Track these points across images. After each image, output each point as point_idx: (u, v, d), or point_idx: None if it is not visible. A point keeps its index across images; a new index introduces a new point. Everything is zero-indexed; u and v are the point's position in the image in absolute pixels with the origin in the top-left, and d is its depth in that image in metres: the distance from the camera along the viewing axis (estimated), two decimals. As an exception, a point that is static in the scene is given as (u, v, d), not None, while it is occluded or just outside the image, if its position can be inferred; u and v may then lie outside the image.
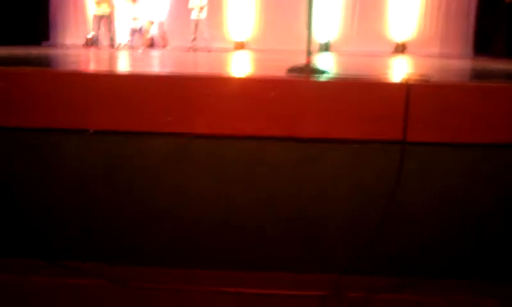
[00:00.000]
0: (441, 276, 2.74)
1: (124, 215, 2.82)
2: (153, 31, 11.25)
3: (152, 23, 10.71)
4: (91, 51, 8.33)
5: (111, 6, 10.01)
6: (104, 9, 9.87)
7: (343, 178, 2.70)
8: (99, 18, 9.93)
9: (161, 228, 2.82)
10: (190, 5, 10.25)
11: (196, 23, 10.24)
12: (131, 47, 9.75)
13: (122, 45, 10.08)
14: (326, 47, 12.37)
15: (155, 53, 8.40)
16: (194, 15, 10.24)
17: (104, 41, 10.05)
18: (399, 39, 12.44)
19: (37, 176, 2.81)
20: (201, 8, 10.19)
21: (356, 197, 2.71)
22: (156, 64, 4.63)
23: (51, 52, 7.36)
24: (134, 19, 9.88)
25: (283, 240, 2.78)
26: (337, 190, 2.71)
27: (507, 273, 2.73)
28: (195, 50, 10.10)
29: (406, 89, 2.54)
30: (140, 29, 10.04)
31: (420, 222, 2.71)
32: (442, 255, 2.75)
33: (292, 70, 3.15)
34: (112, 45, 9.85)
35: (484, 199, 2.68)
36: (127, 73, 3.02)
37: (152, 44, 11.59)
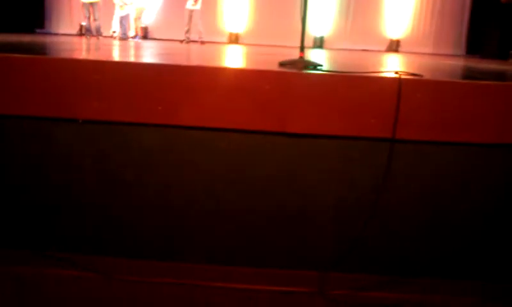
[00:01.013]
0: (424, 275, 2.76)
1: (113, 206, 2.81)
2: (147, 20, 11.13)
3: (143, 9, 10.53)
4: (82, 40, 8.26)
5: None
6: None
7: (331, 174, 2.71)
8: (88, 6, 9.83)
9: (149, 219, 2.81)
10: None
11: (191, 14, 10.16)
12: (122, 38, 9.64)
13: (114, 34, 9.98)
14: (319, 43, 12.36)
15: (147, 43, 8.34)
16: (188, 5, 10.16)
17: (93, 30, 9.94)
18: (393, 37, 12.45)
19: (25, 165, 2.80)
20: (196, 0, 10.12)
21: (344, 194, 2.72)
22: (147, 54, 4.60)
23: (43, 39, 7.29)
24: (121, 7, 9.78)
25: (270, 235, 2.78)
26: (325, 187, 2.72)
27: (491, 272, 2.75)
28: (188, 42, 10.03)
29: (398, 86, 2.54)
30: (127, 16, 9.89)
31: (406, 220, 2.73)
32: (426, 254, 2.76)
33: (284, 63, 3.14)
34: (99, 34, 9.75)
35: (472, 199, 2.69)
36: (116, 62, 2.99)
37: (145, 34, 11.47)
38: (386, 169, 2.62)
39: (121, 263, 2.78)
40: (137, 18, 10.32)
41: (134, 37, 10.19)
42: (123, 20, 9.85)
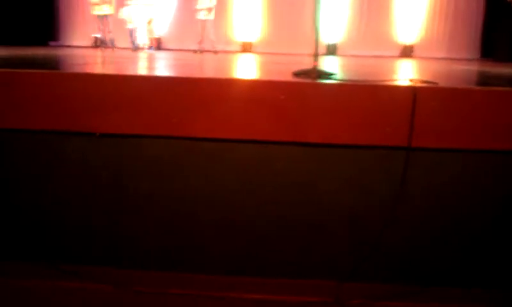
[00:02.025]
0: (441, 284, 2.73)
1: (128, 219, 2.82)
2: (160, 31, 11.19)
3: (152, 20, 10.56)
4: (97, 52, 8.34)
5: (112, 6, 9.99)
6: (104, 10, 9.87)
7: (347, 183, 2.70)
8: (102, 18, 9.94)
9: (164, 231, 2.82)
10: (198, 6, 10.25)
11: (203, 24, 10.24)
12: (136, 48, 9.72)
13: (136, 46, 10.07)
14: (332, 50, 12.37)
15: (160, 54, 8.39)
16: (201, 15, 10.23)
17: (108, 42, 10.05)
18: (406, 42, 12.41)
19: (41, 178, 2.83)
20: (210, 9, 10.19)
21: (359, 203, 2.71)
22: (161, 66, 4.63)
23: (57, 53, 7.37)
24: (129, 22, 9.90)
25: (285, 245, 2.78)
26: (341, 196, 2.71)
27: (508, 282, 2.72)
28: (201, 51, 10.10)
29: (413, 94, 2.53)
30: (135, 29, 9.98)
31: (422, 229, 2.71)
32: (443, 263, 2.74)
33: (298, 73, 3.15)
34: (113, 46, 9.84)
35: (488, 206, 2.67)
36: (132, 75, 3.02)
37: (158, 45, 11.54)
38: (402, 178, 2.61)
39: (130, 274, 2.80)
40: (149, 31, 10.37)
41: (149, 48, 10.26)
42: (133, 32, 9.94)
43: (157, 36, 10.91)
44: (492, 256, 2.72)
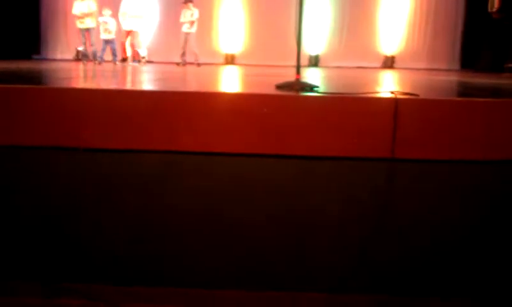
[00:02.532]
0: (431, 294, 2.75)
1: (114, 234, 2.81)
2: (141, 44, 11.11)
3: (137, 34, 10.39)
4: (80, 66, 8.30)
5: (94, 19, 9.94)
6: (86, 23, 9.84)
7: (333, 195, 2.72)
8: (84, 31, 9.90)
9: (151, 246, 2.81)
10: (181, 19, 10.27)
11: (186, 37, 10.25)
12: (114, 61, 9.66)
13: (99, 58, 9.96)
14: (315, 61, 12.45)
15: (144, 68, 8.38)
16: (184, 28, 10.25)
17: (90, 55, 9.99)
18: (387, 53, 12.54)
19: (28, 194, 2.80)
20: (192, 23, 10.21)
21: (346, 214, 2.72)
22: (145, 79, 4.63)
23: (41, 66, 7.33)
24: (105, 31, 9.84)
25: (272, 258, 2.78)
26: (327, 208, 2.72)
27: (495, 293, 2.75)
28: (184, 64, 10.10)
29: (394, 106, 2.56)
30: (111, 41, 9.90)
31: (409, 239, 2.73)
32: (429, 273, 2.76)
33: (281, 86, 3.17)
34: (96, 59, 9.78)
35: (472, 216, 2.70)
36: (116, 89, 3.02)
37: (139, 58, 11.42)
38: (386, 188, 2.64)
39: (126, 291, 2.78)
40: (132, 43, 10.27)
41: (133, 61, 10.22)
42: (110, 44, 9.86)
43: (140, 50, 10.80)
44: (478, 264, 2.74)
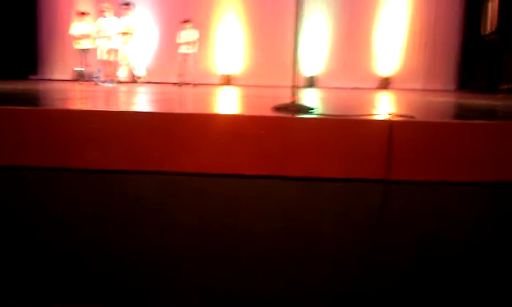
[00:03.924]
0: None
1: (110, 254, 2.80)
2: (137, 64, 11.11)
3: (113, 51, 10.11)
4: (76, 86, 8.32)
5: (92, 40, 9.98)
6: (83, 44, 9.89)
7: (328, 216, 2.72)
8: (81, 52, 9.96)
9: (148, 267, 2.80)
10: (177, 40, 10.36)
11: (185, 57, 10.33)
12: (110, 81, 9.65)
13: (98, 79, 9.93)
14: (312, 82, 12.53)
15: (140, 88, 8.41)
16: (183, 49, 10.34)
17: (87, 76, 10.03)
18: (383, 74, 12.63)
19: (23, 215, 2.80)
20: (189, 44, 10.30)
21: (341, 235, 2.72)
22: (142, 101, 4.65)
23: (37, 87, 7.35)
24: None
25: (269, 278, 2.77)
26: (323, 229, 2.73)
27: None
28: (181, 85, 10.16)
29: (389, 128, 2.58)
30: (87, 52, 9.88)
31: (403, 260, 2.73)
32: (423, 294, 2.75)
33: (278, 108, 3.19)
34: (92, 80, 9.80)
35: (468, 238, 2.71)
36: (113, 110, 3.02)
37: (134, 79, 11.38)
38: (381, 210, 2.64)
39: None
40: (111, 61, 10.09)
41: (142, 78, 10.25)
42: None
43: (136, 69, 10.83)
44: (472, 286, 2.74)
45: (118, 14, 10.08)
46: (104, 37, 9.64)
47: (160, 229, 2.77)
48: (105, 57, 9.78)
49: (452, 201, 2.68)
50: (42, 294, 2.81)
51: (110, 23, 9.62)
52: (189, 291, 2.81)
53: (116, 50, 9.82)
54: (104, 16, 9.62)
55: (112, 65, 9.87)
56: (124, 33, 10.04)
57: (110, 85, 9.24)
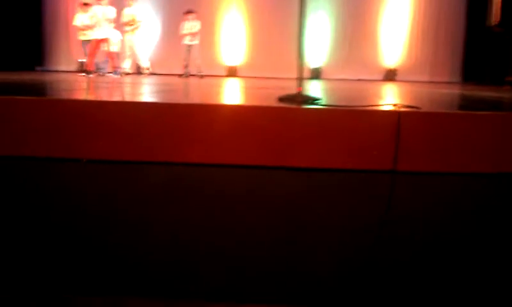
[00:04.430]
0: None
1: (118, 245, 2.81)
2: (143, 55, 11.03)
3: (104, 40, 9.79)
4: (81, 77, 8.32)
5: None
6: (87, 35, 9.85)
7: (334, 207, 2.72)
8: (86, 44, 9.93)
9: (155, 257, 2.81)
10: (181, 31, 10.34)
11: (189, 49, 10.31)
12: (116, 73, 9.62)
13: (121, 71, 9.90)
14: (317, 73, 12.50)
15: (146, 79, 8.41)
16: (186, 40, 10.32)
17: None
18: (389, 66, 12.59)
19: (29, 205, 2.81)
20: (193, 35, 10.27)
21: (346, 226, 2.73)
22: (148, 91, 4.65)
23: (44, 78, 7.37)
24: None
25: (273, 271, 2.78)
26: (327, 220, 2.73)
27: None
28: (187, 76, 10.15)
29: (397, 118, 2.57)
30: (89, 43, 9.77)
31: (410, 251, 2.73)
32: (430, 286, 2.76)
33: (283, 98, 3.18)
34: (96, 71, 9.77)
35: (476, 230, 2.70)
36: (118, 101, 3.03)
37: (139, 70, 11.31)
38: (388, 201, 2.64)
39: (121, 303, 2.77)
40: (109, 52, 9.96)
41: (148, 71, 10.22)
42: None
43: (141, 60, 10.80)
44: (480, 279, 2.74)
45: (122, 5, 10.06)
46: (95, 26, 9.48)
47: (167, 219, 2.78)
48: (106, 48, 9.73)
49: (459, 192, 2.68)
50: (53, 286, 2.83)
51: (103, 11, 9.44)
52: (194, 279, 2.82)
53: (107, 40, 9.69)
54: (100, 5, 9.43)
55: (113, 56, 9.83)
56: (128, 24, 10.02)
57: (116, 76, 9.24)
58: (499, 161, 2.63)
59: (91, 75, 9.25)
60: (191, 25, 10.27)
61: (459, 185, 2.67)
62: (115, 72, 9.62)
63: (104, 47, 9.71)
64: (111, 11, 9.48)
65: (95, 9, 9.39)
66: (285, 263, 2.78)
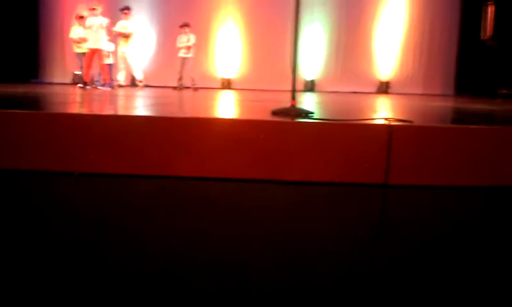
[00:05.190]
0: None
1: (109, 260, 2.80)
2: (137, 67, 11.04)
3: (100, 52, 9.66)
4: (76, 90, 8.32)
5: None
6: (83, 48, 9.87)
7: (327, 221, 2.72)
8: (81, 56, 9.95)
9: (147, 270, 2.80)
10: (178, 44, 10.39)
11: (183, 61, 10.35)
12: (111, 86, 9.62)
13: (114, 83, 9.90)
14: (311, 86, 12.56)
15: (140, 92, 8.41)
16: (181, 53, 10.37)
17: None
18: (382, 78, 12.66)
19: (21, 218, 2.80)
20: (189, 48, 10.32)
21: (339, 240, 2.73)
22: (141, 104, 4.65)
23: (38, 90, 7.37)
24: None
25: (266, 283, 2.77)
26: (321, 233, 2.73)
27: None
28: (181, 88, 10.17)
29: (389, 132, 2.59)
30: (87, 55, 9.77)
31: (401, 265, 2.73)
32: (422, 300, 2.76)
33: (277, 112, 3.20)
34: (91, 84, 9.77)
35: (468, 243, 2.71)
36: (110, 115, 3.03)
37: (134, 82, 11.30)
38: (380, 214, 2.65)
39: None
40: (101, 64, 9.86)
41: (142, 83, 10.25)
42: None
43: (136, 73, 10.81)
44: (471, 290, 2.74)
45: (116, 17, 10.09)
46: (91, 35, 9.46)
47: (159, 233, 2.77)
48: (105, 61, 9.74)
49: (451, 206, 2.69)
50: (46, 299, 2.81)
51: (100, 21, 9.43)
52: (188, 293, 2.81)
53: (102, 52, 9.67)
54: (95, 15, 9.39)
55: (105, 68, 9.81)
56: (122, 35, 10.03)
57: (107, 89, 9.22)
58: (491, 175, 2.64)
59: (88, 87, 9.24)
60: (186, 39, 10.33)
61: (451, 198, 2.68)
62: (106, 85, 9.60)
63: (97, 59, 9.72)
64: (105, 21, 9.48)
65: (91, 20, 9.38)
66: (278, 277, 2.78)
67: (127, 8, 10.19)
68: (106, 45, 9.71)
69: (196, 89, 10.19)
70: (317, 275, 2.78)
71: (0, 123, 2.72)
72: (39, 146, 2.70)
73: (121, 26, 10.04)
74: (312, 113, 3.25)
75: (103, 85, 9.59)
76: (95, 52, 9.42)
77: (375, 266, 2.69)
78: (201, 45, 11.43)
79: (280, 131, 2.69)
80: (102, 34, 9.34)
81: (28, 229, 2.80)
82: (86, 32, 9.59)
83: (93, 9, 9.27)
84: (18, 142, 2.70)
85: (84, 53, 9.82)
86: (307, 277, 2.77)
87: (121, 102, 5.01)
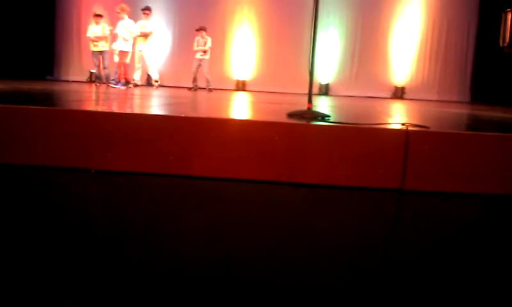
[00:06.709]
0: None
1: (123, 256, 2.81)
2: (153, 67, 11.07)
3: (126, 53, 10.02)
4: (92, 88, 8.38)
5: (108, 43, 10.07)
6: (99, 46, 9.97)
7: (340, 225, 2.72)
8: (97, 54, 10.03)
9: (160, 270, 2.81)
10: (195, 47, 10.46)
11: (199, 63, 10.40)
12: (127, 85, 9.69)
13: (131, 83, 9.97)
14: (325, 90, 12.54)
15: (155, 92, 8.45)
16: (198, 55, 10.42)
17: (103, 78, 10.10)
18: (398, 84, 12.60)
19: (38, 214, 2.82)
20: (205, 51, 10.39)
21: (352, 244, 2.72)
22: (157, 104, 4.68)
23: (54, 87, 7.43)
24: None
25: (279, 287, 2.77)
26: (334, 237, 2.72)
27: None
28: (196, 89, 10.21)
29: (405, 137, 2.58)
30: (103, 54, 9.96)
31: (415, 271, 2.71)
32: (436, 305, 2.74)
33: (292, 114, 3.19)
34: (107, 82, 9.86)
35: (482, 250, 2.69)
36: (128, 113, 3.05)
37: (149, 81, 11.38)
38: (394, 220, 2.64)
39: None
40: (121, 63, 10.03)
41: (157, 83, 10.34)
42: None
43: (152, 72, 10.86)
44: (486, 299, 2.72)
45: (135, 17, 10.17)
46: (120, 38, 9.71)
47: (173, 231, 2.78)
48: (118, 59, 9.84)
49: (466, 213, 2.67)
50: (53, 296, 2.83)
51: (127, 25, 9.71)
52: (200, 294, 2.82)
53: (127, 53, 9.87)
54: (122, 18, 9.71)
55: (124, 67, 9.90)
56: (141, 36, 10.11)
57: (123, 87, 9.30)
58: (507, 182, 2.62)
59: (130, 85, 9.67)
60: (203, 42, 10.40)
61: (467, 206, 2.66)
62: (120, 83, 9.68)
63: (116, 59, 9.84)
64: (132, 25, 9.75)
65: (124, 23, 9.77)
66: (291, 280, 2.78)
67: (148, 8, 10.30)
68: (123, 45, 9.79)
69: (210, 90, 10.22)
70: (329, 279, 2.77)
71: (20, 119, 2.75)
72: (57, 142, 2.72)
73: (140, 25, 10.12)
74: (329, 116, 3.24)
75: (117, 83, 9.65)
76: (125, 54, 9.83)
77: (388, 271, 2.68)
78: (216, 46, 11.46)
79: (296, 133, 2.69)
80: (129, 36, 9.75)
81: (44, 225, 2.82)
82: (123, 34, 9.79)
83: (119, 13, 9.57)
84: (37, 138, 2.73)
85: (100, 51, 9.90)
86: (319, 280, 2.77)
87: (136, 101, 5.04)
